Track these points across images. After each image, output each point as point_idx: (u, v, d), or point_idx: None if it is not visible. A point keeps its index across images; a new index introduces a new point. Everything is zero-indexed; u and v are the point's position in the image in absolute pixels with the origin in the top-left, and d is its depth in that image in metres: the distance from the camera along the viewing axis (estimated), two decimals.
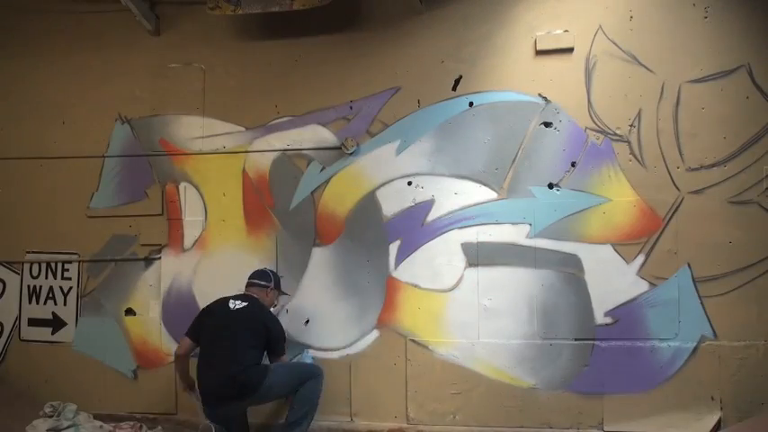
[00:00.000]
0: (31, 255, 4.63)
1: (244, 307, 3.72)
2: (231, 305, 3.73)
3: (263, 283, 3.90)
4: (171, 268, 4.42)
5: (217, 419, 3.65)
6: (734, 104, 3.77)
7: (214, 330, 3.66)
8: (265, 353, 3.75)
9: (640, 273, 3.83)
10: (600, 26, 3.94)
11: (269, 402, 3.92)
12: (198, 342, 3.73)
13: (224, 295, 3.86)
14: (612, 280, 3.85)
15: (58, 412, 4.12)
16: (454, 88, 4.11)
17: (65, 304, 4.56)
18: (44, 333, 4.58)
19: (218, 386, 3.53)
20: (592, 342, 3.86)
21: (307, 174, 4.29)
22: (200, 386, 3.65)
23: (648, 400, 3.78)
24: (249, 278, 3.95)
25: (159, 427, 4.17)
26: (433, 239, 4.08)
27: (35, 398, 4.32)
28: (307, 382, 3.72)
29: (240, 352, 3.57)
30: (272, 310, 3.95)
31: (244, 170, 4.36)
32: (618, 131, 3.90)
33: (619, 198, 3.87)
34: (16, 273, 4.66)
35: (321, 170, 4.27)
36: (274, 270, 4.09)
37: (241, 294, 3.86)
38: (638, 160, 3.87)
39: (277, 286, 3.97)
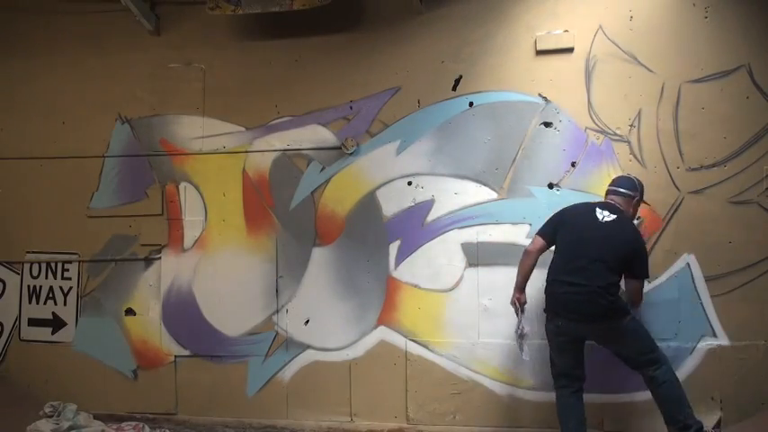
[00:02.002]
0: (31, 255, 4.63)
1: (613, 221, 3.32)
2: (599, 215, 3.34)
3: (628, 192, 3.44)
4: (171, 268, 4.41)
5: (559, 339, 3.37)
6: (734, 104, 3.77)
7: (576, 240, 3.34)
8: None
9: None
10: (600, 26, 3.94)
11: (619, 347, 3.41)
12: (550, 244, 3.47)
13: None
14: None
15: (58, 412, 4.13)
16: (454, 88, 4.11)
17: (65, 304, 4.56)
18: (44, 333, 4.58)
19: (575, 300, 3.25)
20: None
21: (307, 174, 4.29)
22: (550, 295, 3.41)
23: (648, 400, 3.75)
24: (611, 185, 3.53)
25: (166, 429, 4.17)
26: (433, 239, 4.07)
27: (35, 398, 4.32)
28: (661, 365, 3.32)
29: (603, 273, 3.23)
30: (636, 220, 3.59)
31: (244, 170, 4.36)
32: (618, 131, 3.90)
33: None
34: (16, 273, 4.66)
35: (321, 170, 4.27)
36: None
37: (606, 203, 3.46)
38: (638, 160, 3.87)
39: (641, 197, 3.52)
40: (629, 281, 3.39)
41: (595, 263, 3.27)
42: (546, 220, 3.59)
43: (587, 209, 3.45)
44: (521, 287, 3.58)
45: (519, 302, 3.58)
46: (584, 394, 3.48)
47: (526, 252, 3.56)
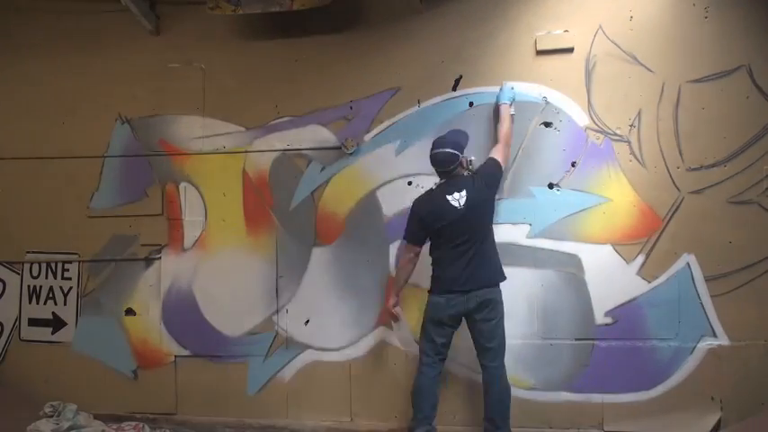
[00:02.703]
0: (31, 255, 4.63)
1: (466, 199, 3.52)
2: (453, 202, 3.53)
3: (454, 165, 3.59)
4: (171, 268, 4.41)
5: (447, 312, 3.57)
6: (734, 104, 3.77)
7: (450, 233, 3.53)
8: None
9: (640, 273, 3.83)
10: (600, 26, 3.94)
11: (488, 325, 3.57)
12: (422, 246, 3.69)
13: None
14: (612, 280, 3.85)
15: (57, 412, 4.13)
16: (454, 88, 4.11)
17: (65, 304, 4.56)
18: (44, 333, 4.58)
19: (471, 270, 3.51)
20: (592, 342, 3.86)
21: (307, 174, 4.29)
22: (446, 278, 3.56)
23: (648, 401, 3.78)
24: (440, 168, 3.62)
25: (166, 429, 4.17)
26: None
27: (35, 398, 4.32)
28: (502, 365, 3.61)
29: (486, 247, 3.58)
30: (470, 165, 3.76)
31: (244, 170, 4.36)
32: (618, 131, 3.90)
33: (619, 198, 3.87)
34: (16, 273, 4.66)
35: (321, 170, 4.27)
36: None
37: (449, 183, 3.60)
38: (638, 160, 3.87)
39: (462, 150, 3.64)
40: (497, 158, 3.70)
41: (475, 242, 3.53)
42: (408, 226, 3.70)
43: (440, 199, 3.57)
44: (398, 295, 3.83)
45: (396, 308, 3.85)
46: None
47: (408, 260, 3.72)
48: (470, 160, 3.71)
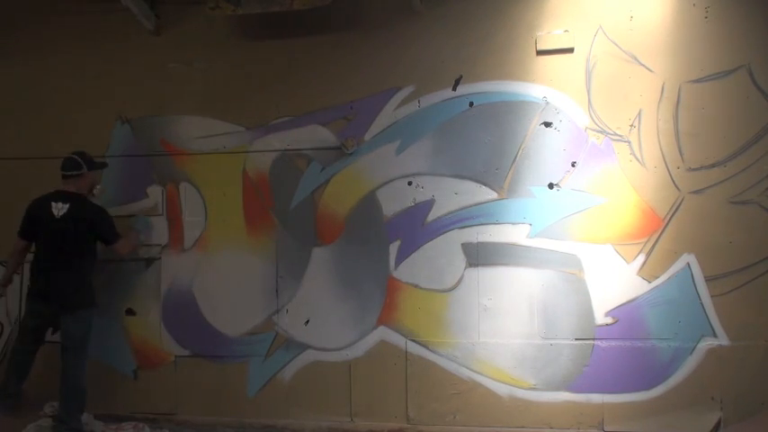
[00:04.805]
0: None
1: (66, 212, 3.85)
2: (54, 210, 3.85)
3: (73, 172, 3.95)
4: (171, 268, 4.41)
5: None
6: (734, 104, 3.77)
7: (42, 237, 3.90)
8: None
9: (640, 273, 3.83)
10: (600, 26, 3.94)
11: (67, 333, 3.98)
12: (32, 240, 3.99)
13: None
14: (612, 280, 3.85)
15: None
16: (454, 88, 4.11)
17: None
18: None
19: (52, 286, 3.86)
20: (592, 342, 3.86)
21: (307, 174, 4.29)
22: (35, 282, 3.96)
23: (648, 400, 3.78)
24: (61, 170, 3.98)
25: (166, 429, 4.17)
26: (433, 239, 4.08)
27: (35, 398, 4.31)
28: (82, 365, 3.94)
29: (68, 263, 3.86)
30: (95, 191, 4.13)
31: (244, 170, 4.36)
32: (618, 131, 3.90)
33: (619, 198, 3.87)
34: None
35: (321, 170, 4.27)
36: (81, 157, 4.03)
37: (59, 192, 3.94)
38: (639, 160, 3.87)
39: (91, 167, 4.03)
40: (108, 247, 4.01)
41: (60, 254, 3.84)
42: (23, 219, 4.01)
43: (45, 203, 3.91)
44: (9, 278, 4.17)
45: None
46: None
47: (12, 253, 4.09)
48: (97, 185, 4.16)
